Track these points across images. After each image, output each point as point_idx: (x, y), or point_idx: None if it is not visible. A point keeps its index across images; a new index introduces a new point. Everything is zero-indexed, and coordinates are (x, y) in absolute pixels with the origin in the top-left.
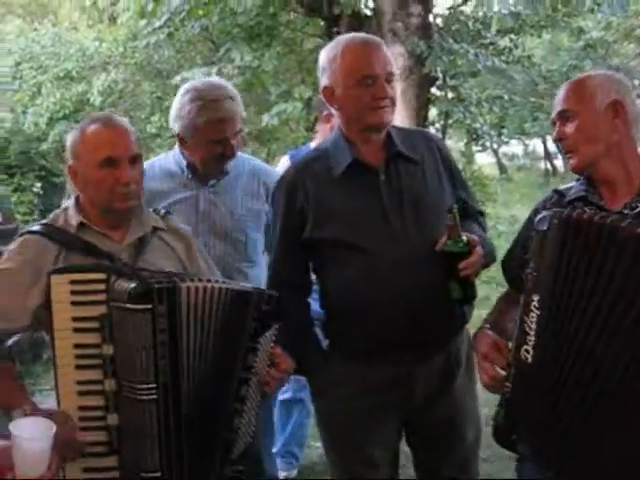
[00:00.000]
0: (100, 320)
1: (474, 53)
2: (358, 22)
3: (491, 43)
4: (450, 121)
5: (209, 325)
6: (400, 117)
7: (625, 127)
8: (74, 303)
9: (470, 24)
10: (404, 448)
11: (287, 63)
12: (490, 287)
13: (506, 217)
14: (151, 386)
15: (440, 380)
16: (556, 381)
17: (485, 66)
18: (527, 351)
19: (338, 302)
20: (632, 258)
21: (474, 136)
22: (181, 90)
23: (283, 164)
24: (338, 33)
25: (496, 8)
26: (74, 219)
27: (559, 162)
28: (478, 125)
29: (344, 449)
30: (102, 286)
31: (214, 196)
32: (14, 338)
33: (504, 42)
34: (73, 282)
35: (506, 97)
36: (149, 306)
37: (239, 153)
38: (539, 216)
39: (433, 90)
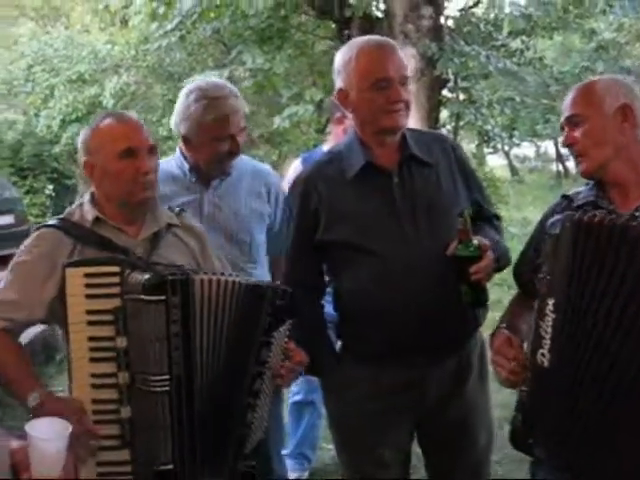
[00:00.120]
0: (114, 313)
1: (485, 55)
2: (369, 24)
3: (502, 45)
4: (461, 123)
5: (222, 318)
6: (411, 119)
7: (633, 130)
8: (88, 296)
9: (481, 26)
10: (416, 449)
11: (298, 65)
12: (502, 290)
13: (518, 219)
14: (164, 377)
15: (452, 383)
16: (573, 381)
17: (496, 68)
18: (543, 355)
19: (350, 305)
20: None
21: (485, 138)
22: (184, 92)
23: (295, 167)
24: (349, 36)
25: (507, 10)
26: (90, 214)
27: (571, 164)
28: (489, 127)
29: (356, 450)
30: (116, 279)
31: (218, 198)
32: (27, 339)
33: (515, 44)
34: (87, 275)
35: (517, 99)
36: (163, 297)
37: (240, 155)
38: (551, 220)
39: (444, 92)
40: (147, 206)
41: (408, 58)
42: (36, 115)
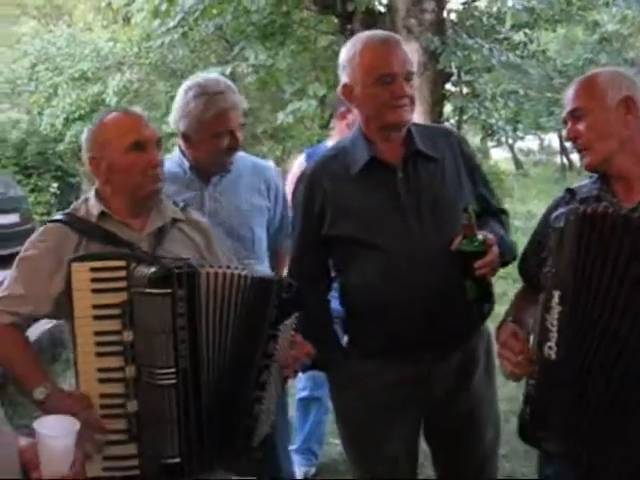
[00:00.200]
0: (120, 307)
1: (488, 48)
2: (372, 19)
3: (505, 38)
4: (465, 117)
5: (229, 310)
6: (415, 113)
7: (637, 122)
8: (94, 290)
9: (484, 19)
10: (423, 446)
11: (301, 61)
12: (507, 283)
13: (522, 213)
14: (171, 371)
15: (458, 377)
16: (580, 372)
17: (500, 61)
18: (550, 347)
19: (356, 300)
20: None
21: (489, 131)
22: (182, 89)
23: (299, 163)
24: (352, 30)
25: (510, 3)
26: (95, 208)
27: (575, 157)
28: (493, 120)
29: (362, 445)
30: (122, 273)
31: (218, 194)
32: (34, 337)
33: (519, 37)
34: (93, 270)
35: (521, 92)
36: (169, 290)
37: (239, 152)
38: (555, 213)
39: (448, 86)
40: (155, 199)
41: (411, 52)
42: (40, 114)
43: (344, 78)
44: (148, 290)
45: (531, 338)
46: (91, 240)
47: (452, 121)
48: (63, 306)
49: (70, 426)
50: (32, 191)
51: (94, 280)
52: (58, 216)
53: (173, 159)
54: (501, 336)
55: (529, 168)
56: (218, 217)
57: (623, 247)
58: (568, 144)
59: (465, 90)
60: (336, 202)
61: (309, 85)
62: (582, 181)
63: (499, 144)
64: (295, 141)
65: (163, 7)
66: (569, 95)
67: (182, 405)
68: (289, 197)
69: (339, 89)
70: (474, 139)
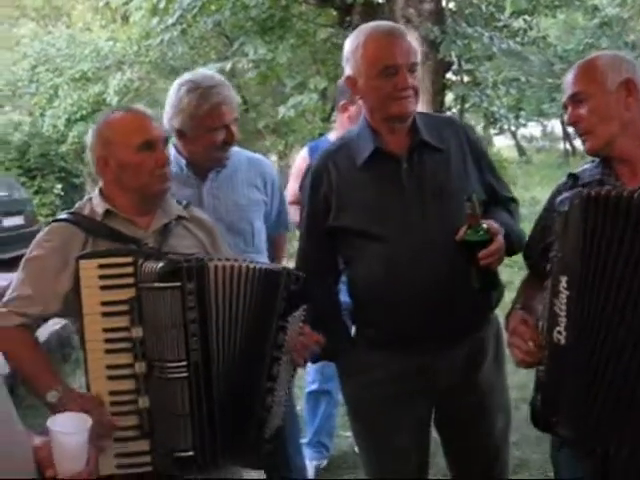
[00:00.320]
0: (129, 303)
1: (488, 36)
2: (371, 10)
3: (505, 25)
4: (467, 105)
5: (238, 303)
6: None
7: (638, 104)
8: (103, 287)
9: (483, 7)
10: (434, 435)
11: (301, 54)
12: (513, 271)
13: (526, 199)
14: (182, 364)
15: (466, 367)
16: (591, 356)
17: (500, 49)
18: (560, 332)
19: (361, 291)
20: None
21: (491, 119)
22: (174, 86)
23: (302, 156)
24: (351, 22)
25: None
26: (100, 207)
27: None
28: (495, 108)
29: (372, 436)
30: (130, 269)
31: (216, 190)
32: (43, 338)
33: (518, 24)
34: (101, 266)
35: (522, 79)
36: (178, 284)
37: (233, 147)
38: (559, 198)
39: (449, 75)
40: (162, 198)
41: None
42: (41, 115)
43: (348, 70)
44: (157, 284)
45: (540, 324)
46: (98, 238)
47: (454, 110)
48: (72, 304)
49: (83, 423)
50: (36, 193)
51: (102, 277)
52: (63, 215)
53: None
54: (510, 324)
55: (532, 155)
56: (217, 213)
57: (628, 226)
58: (571, 129)
59: (466, 79)
60: (341, 193)
61: (310, 78)
62: (584, 165)
63: (501, 132)
64: (297, 135)
65: (161, 5)
66: (569, 79)
67: (194, 398)
68: (290, 191)
69: (341, 80)
70: (476, 127)
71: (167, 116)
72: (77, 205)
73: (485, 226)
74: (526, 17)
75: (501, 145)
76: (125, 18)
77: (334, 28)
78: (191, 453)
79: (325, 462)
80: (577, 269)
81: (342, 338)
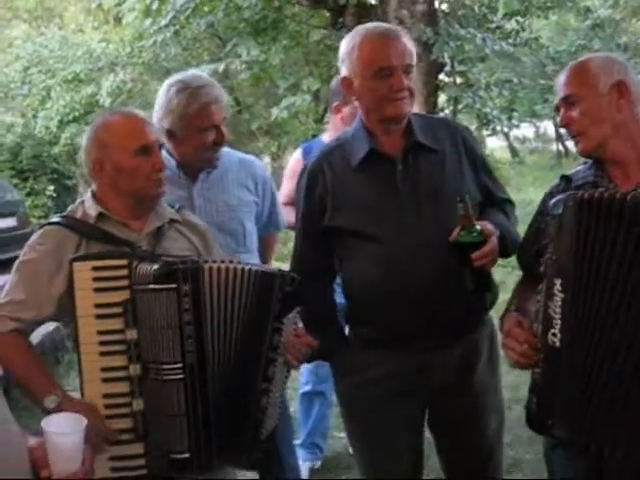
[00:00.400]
0: (123, 305)
1: (481, 38)
2: (364, 11)
3: (498, 27)
4: (459, 106)
5: (233, 304)
6: None
7: (630, 106)
8: (97, 290)
9: (476, 8)
10: (428, 436)
11: (294, 56)
12: (506, 271)
13: (519, 200)
14: (177, 366)
15: (460, 368)
16: (586, 358)
17: (493, 50)
18: (554, 335)
19: (356, 292)
20: None
21: (484, 120)
22: (164, 87)
23: (296, 158)
24: (344, 24)
25: None
26: (93, 210)
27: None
28: (488, 109)
29: (367, 435)
30: (124, 272)
31: (206, 191)
32: (36, 340)
33: (511, 25)
34: (95, 268)
35: (515, 80)
36: (173, 285)
37: (224, 148)
38: (553, 200)
39: (441, 76)
40: (156, 202)
41: None
42: (34, 117)
43: (344, 71)
44: (153, 286)
45: (534, 327)
46: (91, 241)
47: (447, 111)
48: (65, 307)
49: (78, 423)
50: (29, 195)
51: (96, 279)
52: (56, 218)
53: None
54: (505, 325)
55: (525, 156)
56: (208, 213)
57: (620, 227)
58: (564, 131)
59: (459, 80)
60: (336, 194)
61: (303, 80)
62: (576, 167)
63: (494, 133)
64: (290, 136)
65: (154, 6)
66: (561, 82)
67: (190, 400)
68: (284, 192)
69: (334, 81)
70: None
71: (157, 117)
72: (69, 209)
73: (478, 227)
74: (519, 18)
75: (494, 146)
76: (118, 19)
77: (327, 29)
78: (187, 455)
79: (319, 463)
80: (571, 272)
81: (336, 337)
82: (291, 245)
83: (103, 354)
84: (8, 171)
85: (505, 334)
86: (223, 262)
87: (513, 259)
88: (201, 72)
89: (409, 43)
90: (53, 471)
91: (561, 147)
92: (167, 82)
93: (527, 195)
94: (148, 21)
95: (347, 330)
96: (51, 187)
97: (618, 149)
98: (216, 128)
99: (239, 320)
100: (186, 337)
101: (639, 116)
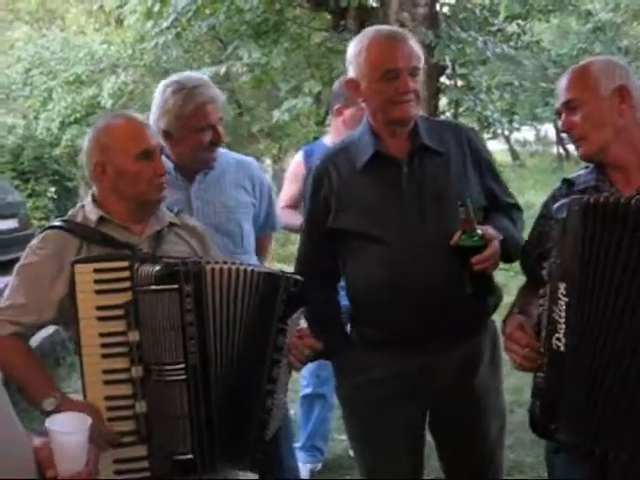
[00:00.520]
0: (125, 307)
1: (482, 40)
2: (365, 14)
3: (499, 30)
4: (461, 109)
5: (236, 305)
6: None
7: (631, 111)
8: (98, 292)
9: (477, 11)
10: (428, 438)
11: (295, 58)
12: (508, 275)
13: (520, 203)
14: (180, 367)
15: (462, 370)
16: (591, 363)
17: (494, 53)
18: (559, 339)
19: (359, 293)
20: None
21: (485, 124)
22: (160, 88)
23: (297, 160)
24: (345, 26)
25: None
26: (93, 214)
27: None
28: (489, 112)
29: (367, 436)
30: (126, 273)
31: (204, 192)
32: (37, 342)
33: (512, 28)
34: (97, 271)
35: (516, 83)
36: (176, 286)
37: (221, 149)
38: (557, 204)
39: (442, 79)
40: (158, 206)
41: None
42: (35, 118)
43: (351, 72)
44: (155, 287)
45: (538, 329)
46: (92, 244)
47: (448, 114)
48: (67, 310)
49: (82, 423)
50: (30, 196)
51: (97, 281)
52: (57, 222)
53: None
54: (508, 329)
55: (526, 159)
56: (206, 215)
57: (625, 232)
58: (564, 135)
59: (460, 83)
60: (341, 195)
61: (304, 82)
62: (578, 171)
63: (495, 136)
64: (291, 139)
65: (156, 8)
66: (562, 86)
67: (193, 401)
68: (285, 195)
69: (336, 84)
70: None
71: (153, 117)
72: (69, 213)
73: (480, 232)
74: (520, 22)
75: (495, 149)
76: (119, 21)
77: (328, 32)
78: (190, 456)
79: (319, 465)
80: (576, 276)
81: (340, 338)
82: (290, 247)
83: (105, 356)
84: (9, 173)
85: (507, 337)
86: (225, 263)
87: (516, 263)
88: (197, 73)
89: (416, 46)
90: (58, 470)
91: (562, 150)
92: (163, 83)
93: (528, 198)
94: (149, 23)
95: (349, 330)
96: (52, 189)
97: (619, 153)
98: (212, 128)
99: (242, 321)
100: (189, 338)
101: None
